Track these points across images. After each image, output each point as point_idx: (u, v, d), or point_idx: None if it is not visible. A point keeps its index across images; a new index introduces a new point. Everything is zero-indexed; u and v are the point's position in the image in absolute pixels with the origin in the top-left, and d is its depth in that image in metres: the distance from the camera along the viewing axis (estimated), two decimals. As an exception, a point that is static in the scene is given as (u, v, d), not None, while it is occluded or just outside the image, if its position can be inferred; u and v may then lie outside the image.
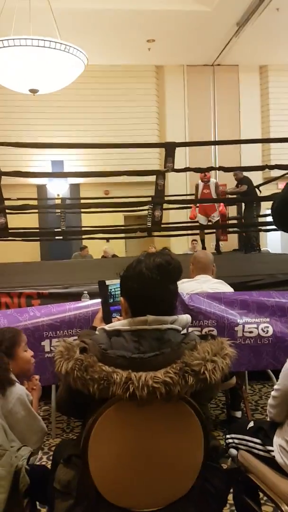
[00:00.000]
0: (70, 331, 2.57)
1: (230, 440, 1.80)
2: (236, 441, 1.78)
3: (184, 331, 1.41)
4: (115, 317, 1.78)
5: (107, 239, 9.26)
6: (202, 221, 7.13)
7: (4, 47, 6.28)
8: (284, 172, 7.42)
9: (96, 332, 1.47)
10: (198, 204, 7.23)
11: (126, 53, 10.90)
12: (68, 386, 1.31)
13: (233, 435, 1.81)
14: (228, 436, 1.83)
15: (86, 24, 9.28)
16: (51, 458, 2.72)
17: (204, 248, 7.45)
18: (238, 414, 2.99)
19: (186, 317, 1.42)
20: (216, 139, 11.78)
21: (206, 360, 1.26)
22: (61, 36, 6.80)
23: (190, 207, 8.14)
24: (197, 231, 7.73)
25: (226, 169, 6.37)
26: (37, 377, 2.04)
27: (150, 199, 7.38)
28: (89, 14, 8.99)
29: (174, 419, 1.28)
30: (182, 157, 10.08)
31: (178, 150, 5.50)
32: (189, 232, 8.40)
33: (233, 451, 1.73)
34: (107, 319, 1.79)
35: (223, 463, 1.53)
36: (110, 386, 1.22)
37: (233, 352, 1.34)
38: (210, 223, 7.03)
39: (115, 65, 11.35)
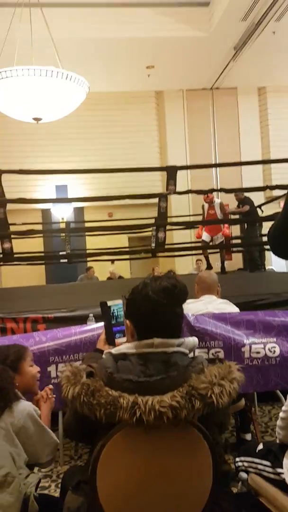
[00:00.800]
0: (76, 356, 2.56)
1: (240, 464, 1.77)
2: (245, 464, 1.75)
3: (191, 354, 1.41)
4: (119, 337, 1.78)
5: (112, 260, 9.31)
6: (206, 238, 7.21)
7: (7, 77, 6.45)
8: (285, 191, 7.46)
9: (103, 356, 1.48)
10: (205, 224, 7.32)
11: (126, 80, 11.16)
12: (75, 411, 1.32)
13: (242, 458, 1.78)
14: (237, 459, 1.80)
15: (87, 52, 9.54)
16: (59, 485, 2.70)
17: (209, 266, 7.46)
18: (248, 436, 2.95)
19: (193, 340, 1.42)
20: (217, 161, 11.93)
21: (213, 384, 1.26)
22: (63, 65, 6.98)
23: (193, 228, 8.20)
24: (201, 251, 7.77)
25: (227, 191, 6.44)
26: (50, 386, 2.02)
27: (153, 220, 7.46)
28: (89, 43, 9.25)
29: (182, 444, 1.28)
30: (183, 179, 10.18)
31: (180, 173, 5.58)
32: (193, 252, 8.42)
33: (243, 475, 1.71)
34: (110, 340, 1.79)
35: (233, 487, 1.51)
36: (117, 411, 1.22)
37: (241, 376, 1.34)
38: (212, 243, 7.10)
39: (116, 92, 11.60)
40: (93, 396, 1.25)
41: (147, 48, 9.67)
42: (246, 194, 7.89)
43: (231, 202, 8.30)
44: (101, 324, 2.78)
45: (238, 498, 1.53)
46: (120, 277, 10.49)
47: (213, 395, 1.24)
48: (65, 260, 8.48)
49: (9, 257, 5.14)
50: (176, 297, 1.37)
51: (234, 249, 7.96)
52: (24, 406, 1.70)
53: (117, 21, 9.05)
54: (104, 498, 1.26)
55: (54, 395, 2.01)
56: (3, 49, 7.02)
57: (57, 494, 2.14)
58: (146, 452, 1.27)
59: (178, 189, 5.73)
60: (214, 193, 7.31)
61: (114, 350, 1.40)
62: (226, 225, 7.30)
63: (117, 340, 1.77)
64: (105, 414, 1.24)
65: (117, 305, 1.81)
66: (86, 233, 9.58)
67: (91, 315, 3.32)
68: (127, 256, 9.15)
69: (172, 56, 10.09)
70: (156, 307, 1.34)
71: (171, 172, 5.32)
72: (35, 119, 7.04)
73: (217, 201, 7.31)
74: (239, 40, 9.67)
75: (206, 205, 7.25)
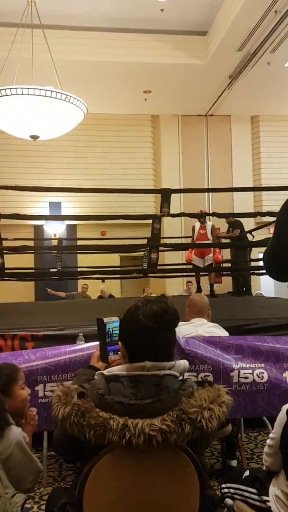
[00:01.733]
0: (65, 375, 2.55)
1: (226, 490, 1.77)
2: (231, 490, 1.75)
3: (181, 377, 1.43)
4: (112, 355, 1.79)
5: (103, 279, 9.31)
6: (198, 263, 7.23)
7: (7, 95, 6.56)
8: (275, 218, 7.59)
9: (95, 375, 1.49)
10: (194, 246, 7.36)
11: (123, 103, 11.36)
12: (64, 431, 1.32)
13: (228, 485, 1.78)
14: (223, 485, 1.80)
15: (86, 74, 9.72)
16: (42, 507, 2.65)
17: (199, 290, 7.49)
18: (234, 463, 2.93)
19: (183, 363, 1.44)
20: (210, 186, 12.10)
21: (203, 408, 1.28)
22: (62, 85, 7.12)
23: (184, 250, 8.25)
24: (193, 273, 7.80)
25: (219, 215, 6.54)
26: (34, 409, 2.00)
27: (145, 240, 7.51)
28: (89, 65, 9.44)
29: (170, 468, 1.28)
30: (177, 202, 10.30)
31: (174, 196, 5.66)
32: (184, 274, 8.47)
33: (229, 501, 1.71)
34: (104, 357, 1.80)
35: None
36: (107, 433, 1.23)
37: (230, 399, 1.35)
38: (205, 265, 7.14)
39: (113, 114, 11.79)
40: (83, 417, 1.26)
41: (145, 73, 9.89)
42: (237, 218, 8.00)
43: (223, 226, 8.41)
44: (91, 344, 2.78)
45: None
46: (110, 295, 10.47)
47: (202, 420, 1.25)
48: (56, 278, 8.47)
49: (0, 273, 5.12)
50: (166, 321, 1.38)
51: (224, 272, 8.01)
52: (14, 433, 1.68)
53: (117, 45, 9.27)
54: (90, 521, 1.25)
55: (36, 417, 1.99)
56: (4, 68, 7.15)
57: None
58: (134, 475, 1.27)
59: (171, 212, 5.81)
60: (206, 218, 7.39)
61: (106, 372, 1.41)
62: (217, 250, 7.35)
63: (111, 357, 1.77)
64: (95, 436, 1.24)
65: (113, 323, 1.82)
66: (78, 251, 9.58)
67: (80, 334, 3.31)
68: (118, 275, 9.16)
69: (169, 82, 10.32)
70: (146, 332, 1.35)
71: (165, 194, 5.40)
72: (32, 136, 7.13)
73: (209, 223, 7.40)
74: (235, 69, 9.93)
75: (198, 225, 7.30)
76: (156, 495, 1.27)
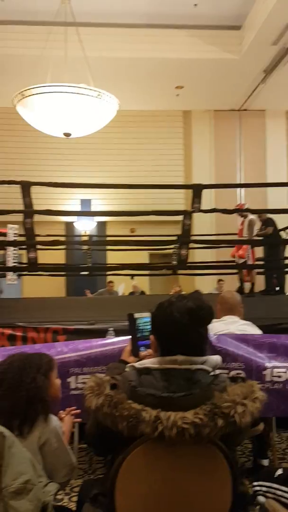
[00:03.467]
0: (96, 368, 2.57)
1: (258, 488, 1.74)
2: (264, 488, 1.72)
3: (213, 372, 1.41)
4: (143, 351, 1.79)
5: (132, 275, 9.34)
6: (237, 260, 7.05)
7: (41, 93, 6.65)
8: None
9: (126, 369, 1.49)
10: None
11: (155, 99, 11.33)
12: (97, 422, 1.33)
13: (261, 483, 1.75)
14: (255, 483, 1.77)
15: (118, 71, 9.75)
16: (72, 499, 2.69)
17: (240, 288, 7.26)
18: (265, 462, 2.88)
19: (216, 358, 1.42)
20: (242, 182, 11.93)
21: (236, 403, 1.26)
22: (94, 82, 7.17)
23: (215, 247, 8.14)
24: (223, 271, 7.70)
25: (252, 211, 6.42)
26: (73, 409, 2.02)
27: (175, 237, 7.47)
28: (121, 62, 9.46)
29: (203, 462, 1.27)
30: (208, 198, 10.20)
31: (204, 192, 5.60)
32: (215, 271, 8.38)
33: (261, 499, 1.68)
34: (135, 352, 1.80)
35: (251, 511, 1.48)
36: (139, 424, 1.23)
37: (263, 395, 1.33)
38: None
39: (144, 110, 11.78)
40: (115, 408, 1.26)
41: (178, 68, 9.83)
42: (271, 215, 7.81)
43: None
44: (122, 338, 2.79)
45: None
46: (142, 292, 10.51)
47: (236, 414, 1.24)
48: (86, 273, 8.56)
49: (33, 267, 5.23)
50: (201, 318, 1.37)
51: (256, 270, 7.87)
52: (53, 420, 1.71)
53: (150, 41, 9.24)
54: (122, 511, 1.25)
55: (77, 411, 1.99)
56: (38, 67, 7.26)
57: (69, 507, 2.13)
58: (166, 468, 1.27)
59: (202, 208, 5.75)
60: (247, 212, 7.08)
61: (137, 364, 1.41)
62: (244, 246, 7.10)
63: (142, 353, 1.77)
64: (127, 427, 1.24)
65: (144, 318, 1.82)
66: (108, 247, 9.65)
67: (111, 329, 3.33)
68: (147, 272, 9.16)
69: (202, 77, 10.22)
70: (179, 328, 1.35)
71: (197, 190, 5.35)
72: (65, 134, 7.21)
73: (250, 216, 6.91)
74: (269, 63, 9.75)
75: (239, 220, 7.04)
76: (188, 489, 1.26)
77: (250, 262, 6.44)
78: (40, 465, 1.57)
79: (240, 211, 6.70)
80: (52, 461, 1.65)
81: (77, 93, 6.55)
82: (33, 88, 6.64)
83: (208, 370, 1.37)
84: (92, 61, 7.49)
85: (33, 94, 6.62)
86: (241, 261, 6.80)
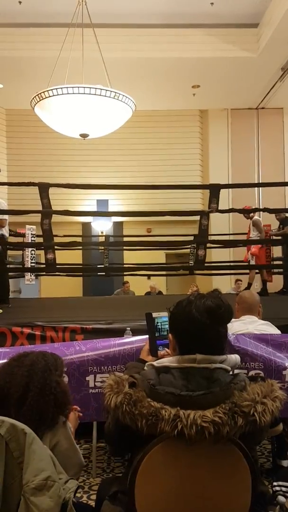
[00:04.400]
0: (114, 367, 2.58)
1: (278, 488, 1.73)
2: (284, 488, 1.71)
3: (232, 372, 1.40)
4: (161, 350, 1.79)
5: (148, 275, 9.35)
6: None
7: (58, 95, 6.71)
8: None
9: (145, 368, 1.49)
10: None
11: (172, 99, 11.31)
12: (116, 420, 1.33)
13: (280, 483, 1.74)
14: (275, 483, 1.76)
15: (134, 71, 9.77)
16: (91, 497, 2.71)
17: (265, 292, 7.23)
18: (285, 463, 2.85)
19: (235, 357, 1.42)
20: (260, 181, 11.82)
21: (256, 402, 1.25)
22: (111, 83, 7.20)
23: (232, 247, 8.10)
24: (241, 271, 7.66)
25: (270, 211, 6.36)
26: (77, 408, 2.02)
27: (191, 237, 7.45)
28: (137, 62, 9.48)
29: (222, 461, 1.27)
30: (225, 198, 10.16)
31: (222, 191, 5.57)
32: (232, 272, 8.33)
33: (281, 499, 1.67)
34: (153, 351, 1.80)
35: (271, 511, 1.47)
36: (159, 423, 1.23)
37: (284, 395, 1.32)
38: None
39: (161, 110, 11.78)
40: (135, 406, 1.27)
41: (194, 68, 9.80)
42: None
43: (273, 223, 8.18)
44: (140, 337, 2.80)
45: None
46: (159, 292, 10.51)
47: (256, 413, 1.23)
48: (103, 273, 8.60)
49: (52, 268, 5.27)
50: (220, 317, 1.36)
51: (275, 270, 7.79)
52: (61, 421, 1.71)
53: (166, 41, 9.24)
54: (141, 509, 1.26)
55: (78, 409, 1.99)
56: (55, 68, 7.32)
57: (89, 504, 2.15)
58: (186, 467, 1.26)
59: (219, 208, 5.72)
60: (257, 213, 7.19)
61: (156, 363, 1.41)
62: (252, 247, 7.14)
63: (160, 352, 1.78)
64: (147, 425, 1.25)
65: (162, 318, 1.82)
66: (124, 248, 9.69)
67: (128, 328, 3.35)
68: (164, 272, 9.16)
69: (219, 76, 10.17)
70: (198, 327, 1.34)
71: (214, 190, 5.32)
72: (82, 135, 7.26)
73: (254, 218, 7.08)
74: (287, 61, 9.64)
75: (248, 222, 7.16)
76: (208, 488, 1.26)
77: (253, 262, 6.44)
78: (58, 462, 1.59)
79: (251, 211, 6.69)
80: (63, 461, 1.65)
81: (94, 94, 6.59)
82: (51, 89, 6.70)
83: (227, 369, 1.36)
84: (109, 62, 7.52)
85: (51, 96, 6.68)
86: (254, 258, 6.81)
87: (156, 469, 1.26)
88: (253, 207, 7.22)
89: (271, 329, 2.77)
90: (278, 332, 2.79)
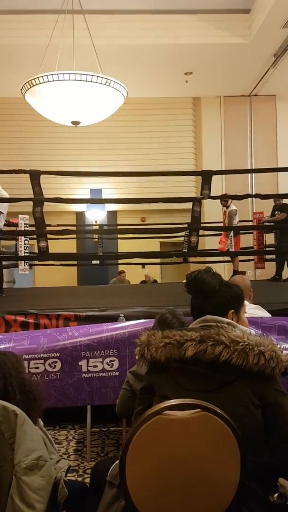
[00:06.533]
0: (107, 352, 2.61)
1: None
2: None
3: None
4: None
5: (143, 264, 9.35)
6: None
7: (48, 81, 6.63)
8: None
9: None
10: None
11: (164, 86, 11.22)
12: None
13: None
14: None
15: (126, 58, 9.66)
16: (85, 481, 2.74)
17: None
18: None
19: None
20: (253, 168, 11.80)
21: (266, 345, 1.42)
22: (103, 70, 7.11)
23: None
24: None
25: (262, 197, 6.37)
26: None
27: (186, 226, 7.45)
28: (129, 49, 9.37)
29: (210, 436, 1.29)
30: (218, 185, 10.13)
31: (215, 178, 5.57)
32: (226, 259, 8.35)
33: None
34: None
35: (270, 495, 1.50)
36: (186, 342, 1.37)
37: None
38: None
39: (153, 97, 11.69)
40: (163, 337, 1.43)
41: (187, 54, 9.71)
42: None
43: (266, 210, 8.19)
44: (132, 322, 2.82)
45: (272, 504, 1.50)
46: (154, 281, 10.53)
47: (266, 354, 1.36)
48: (97, 262, 8.59)
49: (44, 255, 5.27)
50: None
51: (267, 257, 7.82)
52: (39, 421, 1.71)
53: (158, 27, 9.13)
54: (132, 483, 1.28)
55: None
56: (46, 55, 7.23)
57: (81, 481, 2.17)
58: (176, 442, 1.29)
59: (212, 194, 5.72)
60: (249, 200, 7.20)
61: None
62: (222, 240, 7.19)
63: None
64: (177, 343, 1.38)
65: None
66: (119, 236, 9.67)
67: (121, 315, 3.37)
68: (158, 260, 9.17)
69: (211, 63, 10.09)
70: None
71: (206, 176, 5.32)
72: (73, 122, 7.19)
73: (231, 207, 7.03)
74: (280, 47, 9.56)
75: (223, 210, 7.22)
76: (198, 462, 1.28)
77: (232, 250, 6.51)
78: (51, 442, 1.61)
79: (249, 196, 6.69)
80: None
81: (85, 81, 6.51)
82: (42, 76, 6.62)
83: (236, 325, 1.51)
84: (100, 49, 7.42)
85: (42, 83, 6.60)
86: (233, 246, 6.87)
87: (147, 444, 1.28)
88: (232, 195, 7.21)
89: (261, 313, 2.80)
90: (269, 315, 2.82)
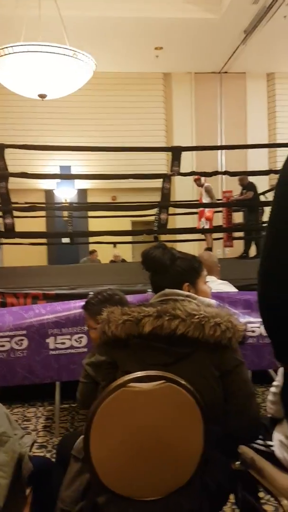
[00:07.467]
0: (75, 329, 2.60)
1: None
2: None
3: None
4: None
5: (114, 243, 9.31)
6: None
7: (14, 53, 6.38)
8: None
9: None
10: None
11: (134, 61, 11.02)
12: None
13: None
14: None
15: (95, 32, 9.40)
16: (53, 456, 2.76)
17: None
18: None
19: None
20: (223, 145, 11.84)
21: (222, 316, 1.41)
22: (70, 43, 6.89)
23: (196, 213, 8.16)
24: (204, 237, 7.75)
25: (232, 174, 6.41)
26: None
27: (156, 203, 7.45)
28: (97, 21, 9.11)
29: (173, 407, 1.31)
30: (188, 163, 10.11)
31: (185, 156, 5.56)
32: (196, 237, 8.41)
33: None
34: None
35: (232, 463, 1.54)
36: (144, 318, 1.37)
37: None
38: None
39: (123, 72, 11.47)
40: (123, 314, 1.42)
41: (156, 28, 9.53)
42: (251, 178, 7.82)
43: (235, 188, 8.26)
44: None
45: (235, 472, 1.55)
46: (123, 260, 10.52)
47: (221, 325, 1.36)
48: (68, 240, 8.50)
49: (10, 233, 5.15)
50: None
51: (235, 235, 7.94)
52: None
53: (127, 0, 8.89)
54: (97, 456, 1.29)
55: None
56: (10, 27, 6.94)
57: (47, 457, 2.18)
58: (139, 414, 1.30)
59: (182, 171, 5.71)
60: (218, 177, 7.27)
61: None
62: (207, 210, 7.30)
63: None
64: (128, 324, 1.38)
65: None
66: (89, 214, 9.57)
67: (91, 293, 3.34)
68: (129, 239, 9.15)
69: (181, 38, 9.94)
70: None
71: (175, 153, 5.29)
72: (40, 95, 6.98)
73: (205, 185, 7.21)
74: (250, 23, 9.50)
75: (199, 189, 7.31)
76: (160, 434, 1.30)
77: (207, 226, 6.59)
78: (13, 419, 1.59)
79: (218, 173, 6.77)
80: None
81: (52, 52, 6.31)
82: (6, 47, 6.36)
83: (194, 297, 1.51)
84: (68, 21, 7.17)
85: (6, 54, 6.35)
86: (208, 223, 6.96)
87: (111, 417, 1.29)
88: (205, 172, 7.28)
89: (228, 288, 2.85)
90: (236, 290, 2.87)
